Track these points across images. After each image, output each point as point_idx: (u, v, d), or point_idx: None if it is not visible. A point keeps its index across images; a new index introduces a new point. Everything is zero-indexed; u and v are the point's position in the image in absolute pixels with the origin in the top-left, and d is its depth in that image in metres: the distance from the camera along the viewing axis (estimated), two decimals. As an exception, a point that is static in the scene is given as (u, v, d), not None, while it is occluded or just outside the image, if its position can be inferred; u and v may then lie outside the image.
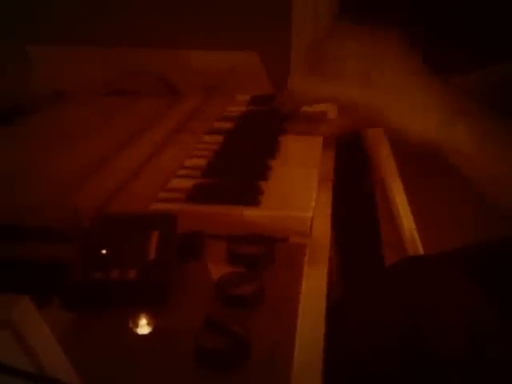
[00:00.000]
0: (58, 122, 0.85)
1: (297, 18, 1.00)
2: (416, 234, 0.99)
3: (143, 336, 0.35)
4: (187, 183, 0.59)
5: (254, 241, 0.46)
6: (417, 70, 0.59)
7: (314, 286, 0.46)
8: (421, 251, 0.98)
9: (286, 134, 0.75)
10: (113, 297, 0.39)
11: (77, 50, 1.01)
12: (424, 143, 0.57)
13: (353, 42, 0.61)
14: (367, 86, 0.59)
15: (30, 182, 0.60)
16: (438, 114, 0.56)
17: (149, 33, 1.02)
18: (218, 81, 0.99)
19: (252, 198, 0.55)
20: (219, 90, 0.99)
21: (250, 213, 0.53)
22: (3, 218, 0.50)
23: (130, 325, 0.35)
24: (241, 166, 0.63)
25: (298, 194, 0.57)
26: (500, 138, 0.55)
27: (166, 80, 1.00)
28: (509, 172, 0.55)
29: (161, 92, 0.99)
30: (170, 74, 1.00)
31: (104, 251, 0.42)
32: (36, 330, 0.30)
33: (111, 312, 0.38)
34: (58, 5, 0.99)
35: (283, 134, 0.75)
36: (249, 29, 1.01)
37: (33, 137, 0.76)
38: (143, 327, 0.35)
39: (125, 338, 0.35)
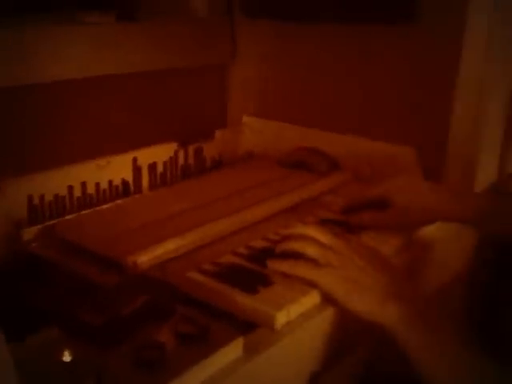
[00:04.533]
0: (221, 181, 1.09)
1: (456, 120, 1.02)
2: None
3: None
4: (231, 261, 0.76)
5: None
6: None
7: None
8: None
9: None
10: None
11: (272, 124, 1.24)
12: None
13: None
14: None
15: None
16: None
17: (328, 118, 1.18)
18: (375, 169, 1.09)
19: (252, 287, 0.69)
20: (374, 178, 1.08)
21: (241, 298, 0.67)
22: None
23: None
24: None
25: (292, 293, 0.68)
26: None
27: (332, 159, 1.15)
28: None
29: (325, 168, 1.14)
30: (338, 156, 1.14)
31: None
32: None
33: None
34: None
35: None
36: (408, 123, 1.08)
37: (192, 193, 1.02)
38: (66, 356, 0.55)
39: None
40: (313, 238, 0.72)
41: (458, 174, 1.05)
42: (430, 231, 0.87)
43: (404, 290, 0.66)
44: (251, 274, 0.73)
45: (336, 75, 1.17)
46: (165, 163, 1.13)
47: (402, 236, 0.85)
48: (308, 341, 0.68)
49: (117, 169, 1.05)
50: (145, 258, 0.76)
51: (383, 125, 1.11)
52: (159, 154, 1.12)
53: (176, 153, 1.15)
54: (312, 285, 0.69)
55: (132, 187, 1.07)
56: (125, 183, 1.06)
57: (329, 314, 0.69)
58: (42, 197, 0.93)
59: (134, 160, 1.07)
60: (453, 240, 0.91)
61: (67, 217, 0.93)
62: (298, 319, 0.67)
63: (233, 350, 0.59)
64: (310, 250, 0.70)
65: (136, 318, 0.61)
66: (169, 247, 0.79)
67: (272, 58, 1.26)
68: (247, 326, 0.66)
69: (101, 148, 1.05)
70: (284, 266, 0.72)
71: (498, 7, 0.94)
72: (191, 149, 1.17)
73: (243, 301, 0.67)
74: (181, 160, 1.16)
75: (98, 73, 1.04)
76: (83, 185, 0.99)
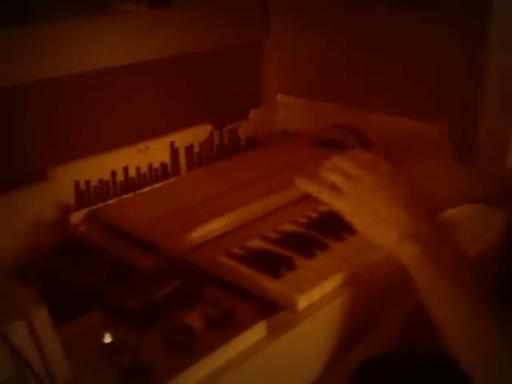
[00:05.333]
0: (253, 163, 1.13)
1: (488, 94, 1.02)
2: None
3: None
4: (259, 245, 0.81)
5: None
6: None
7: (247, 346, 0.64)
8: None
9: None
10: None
11: (305, 102, 1.27)
12: None
13: None
14: None
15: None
16: None
17: (362, 96, 1.20)
18: (404, 145, 1.11)
19: (276, 271, 0.74)
20: (404, 155, 1.10)
21: (266, 282, 0.73)
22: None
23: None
24: (301, 242, 0.80)
25: (314, 277, 0.73)
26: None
27: (364, 137, 1.17)
28: None
29: (357, 145, 1.16)
30: (368, 133, 1.16)
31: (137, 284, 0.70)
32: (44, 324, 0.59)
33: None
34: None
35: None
36: (440, 100, 1.09)
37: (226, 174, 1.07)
38: (107, 338, 0.62)
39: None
40: (340, 167, 0.73)
41: (490, 148, 1.06)
42: (454, 212, 0.89)
43: (422, 229, 0.66)
44: (277, 258, 0.78)
45: (368, 53, 1.18)
46: (201, 144, 1.18)
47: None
48: (329, 323, 0.73)
49: (156, 152, 1.11)
50: (179, 242, 0.82)
51: (416, 102, 1.12)
52: (195, 135, 1.17)
53: (211, 134, 1.19)
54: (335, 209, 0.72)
55: (170, 169, 1.13)
56: (164, 166, 1.12)
57: (349, 296, 0.74)
58: (87, 182, 1.00)
59: (172, 143, 1.13)
60: (478, 220, 0.93)
61: (110, 201, 1.00)
62: (320, 302, 0.72)
63: (256, 332, 0.65)
64: (335, 178, 0.72)
65: (168, 302, 0.68)
66: (201, 231, 0.85)
67: (305, 35, 1.28)
68: (273, 308, 0.71)
69: (140, 133, 1.11)
70: (311, 188, 0.74)
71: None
72: (226, 129, 1.22)
73: (268, 284, 0.72)
74: (216, 140, 1.21)
75: (134, 60, 1.08)
76: (125, 169, 1.06)
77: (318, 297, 0.72)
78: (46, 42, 0.96)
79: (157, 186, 1.06)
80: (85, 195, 1.00)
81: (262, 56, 1.32)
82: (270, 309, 0.71)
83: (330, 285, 0.73)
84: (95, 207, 0.98)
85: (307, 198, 0.95)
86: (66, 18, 0.99)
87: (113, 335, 0.62)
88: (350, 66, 1.22)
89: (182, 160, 1.15)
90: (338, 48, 1.23)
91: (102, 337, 0.62)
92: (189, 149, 1.16)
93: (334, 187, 0.72)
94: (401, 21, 1.11)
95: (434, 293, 0.62)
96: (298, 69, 1.31)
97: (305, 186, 0.75)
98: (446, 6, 1.05)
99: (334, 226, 0.82)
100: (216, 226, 0.86)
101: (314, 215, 0.90)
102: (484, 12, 0.99)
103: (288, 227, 0.86)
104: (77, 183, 0.99)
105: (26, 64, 0.94)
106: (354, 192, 0.70)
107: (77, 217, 0.95)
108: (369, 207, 0.69)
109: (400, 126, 1.12)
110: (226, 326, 0.65)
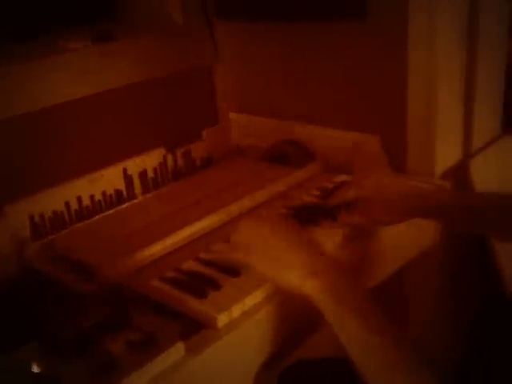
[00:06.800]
0: (202, 183, 1.19)
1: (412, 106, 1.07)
2: None
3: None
4: (191, 267, 0.86)
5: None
6: None
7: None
8: None
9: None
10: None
11: (256, 119, 1.32)
12: None
13: None
14: None
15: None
16: None
17: (304, 111, 1.25)
18: (343, 157, 1.16)
19: (201, 292, 0.79)
20: (343, 166, 1.15)
21: (191, 303, 0.78)
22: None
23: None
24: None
25: (235, 294, 0.78)
26: None
27: (308, 150, 1.22)
28: None
29: (302, 159, 1.21)
30: (312, 147, 1.21)
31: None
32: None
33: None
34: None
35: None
36: (372, 113, 1.13)
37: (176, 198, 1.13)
38: (35, 368, 0.67)
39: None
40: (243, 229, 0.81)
41: (418, 159, 1.11)
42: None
43: (318, 266, 0.72)
44: (204, 279, 0.83)
45: (304, 70, 1.23)
46: (155, 169, 1.23)
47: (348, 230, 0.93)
48: (252, 337, 0.78)
49: (109, 180, 1.16)
50: (116, 268, 0.87)
51: (352, 116, 1.17)
52: (148, 161, 1.22)
53: (165, 157, 1.25)
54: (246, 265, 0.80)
55: (125, 195, 1.19)
56: (118, 192, 1.18)
57: (271, 309, 0.79)
58: (41, 215, 1.06)
59: (124, 170, 1.18)
60: (414, 229, 0.97)
61: (64, 231, 1.06)
62: (241, 318, 0.76)
63: (174, 353, 0.70)
64: (243, 238, 0.80)
65: (97, 330, 0.73)
66: (139, 256, 0.90)
67: (250, 57, 1.33)
68: (199, 328, 0.76)
69: (94, 163, 1.16)
70: (221, 255, 0.85)
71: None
72: (179, 152, 1.27)
73: (193, 305, 0.77)
74: (170, 163, 1.26)
75: (83, 94, 1.14)
76: (79, 199, 1.12)
77: (239, 313, 0.77)
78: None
79: (107, 213, 1.12)
80: (40, 227, 1.06)
81: (213, 79, 1.37)
82: (196, 329, 0.76)
83: (250, 301, 0.78)
84: (50, 238, 1.04)
85: (243, 215, 1.02)
86: (20, 62, 1.05)
87: (41, 365, 0.68)
88: (290, 81, 1.27)
89: (137, 185, 1.21)
90: (278, 67, 1.28)
91: (32, 367, 0.68)
92: (142, 174, 1.21)
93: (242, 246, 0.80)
94: (332, 33, 1.16)
95: (335, 320, 0.68)
96: (247, 89, 1.36)
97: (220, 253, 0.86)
98: (374, 18, 1.09)
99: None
100: (154, 250, 0.92)
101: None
102: (402, 30, 1.04)
103: (220, 246, 0.92)
104: (31, 217, 1.05)
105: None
106: (260, 246, 0.77)
107: (31, 249, 1.01)
108: (274, 255, 0.75)
109: (339, 139, 1.17)
110: (146, 349, 0.70)
